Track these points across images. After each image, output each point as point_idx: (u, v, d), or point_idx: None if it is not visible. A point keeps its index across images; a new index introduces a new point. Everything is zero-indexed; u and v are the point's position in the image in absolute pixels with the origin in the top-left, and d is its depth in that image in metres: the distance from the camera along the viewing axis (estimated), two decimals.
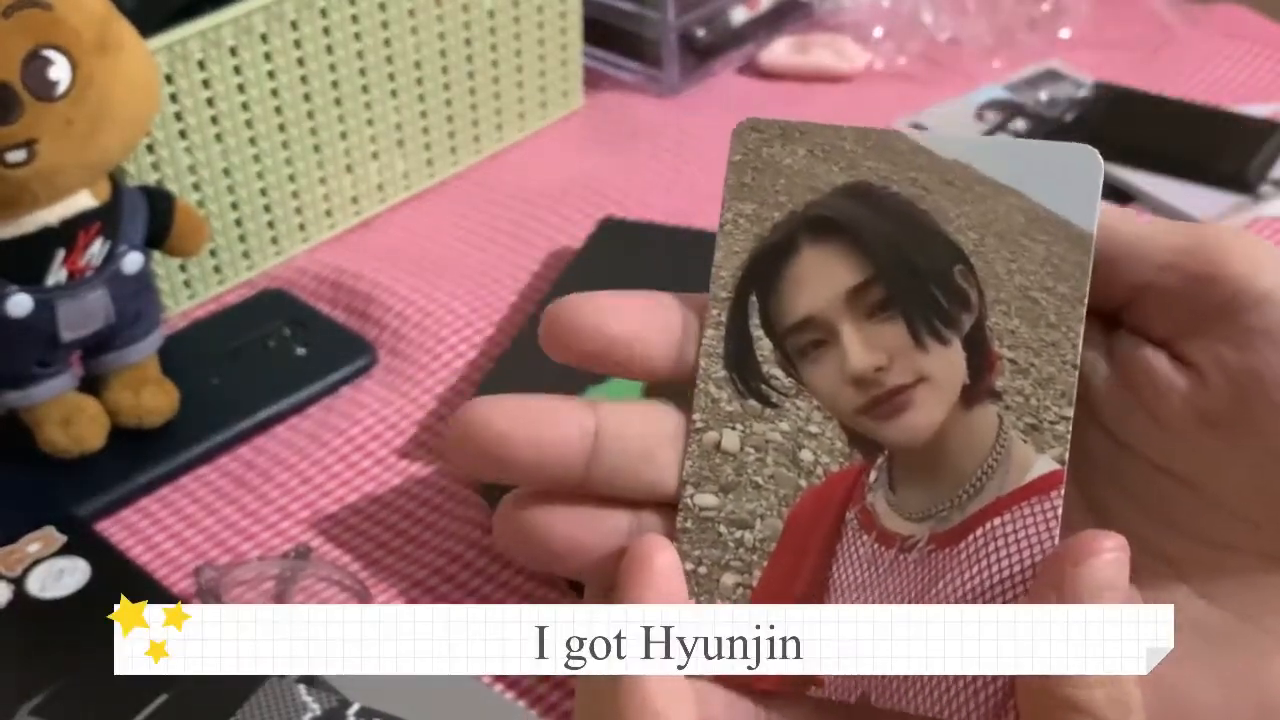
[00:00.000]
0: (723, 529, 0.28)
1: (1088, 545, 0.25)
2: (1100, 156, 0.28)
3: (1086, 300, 0.27)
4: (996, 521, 0.27)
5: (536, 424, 0.28)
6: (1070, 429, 0.27)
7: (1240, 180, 0.87)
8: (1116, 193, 0.88)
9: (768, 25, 1.06)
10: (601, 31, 1.01)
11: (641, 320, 0.29)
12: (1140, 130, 0.93)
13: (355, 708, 0.55)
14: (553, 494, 0.28)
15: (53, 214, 0.63)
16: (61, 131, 0.61)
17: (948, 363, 0.28)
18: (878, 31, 1.05)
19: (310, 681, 0.56)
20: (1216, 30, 1.06)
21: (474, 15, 0.88)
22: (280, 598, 0.63)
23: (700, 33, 1.03)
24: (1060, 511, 0.27)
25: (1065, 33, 1.05)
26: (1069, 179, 0.28)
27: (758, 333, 0.29)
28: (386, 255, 0.85)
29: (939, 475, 0.28)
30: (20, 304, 0.63)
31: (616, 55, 1.03)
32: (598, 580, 0.29)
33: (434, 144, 0.90)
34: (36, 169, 0.61)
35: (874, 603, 0.28)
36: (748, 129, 0.30)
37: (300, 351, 0.76)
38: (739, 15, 1.05)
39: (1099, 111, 0.95)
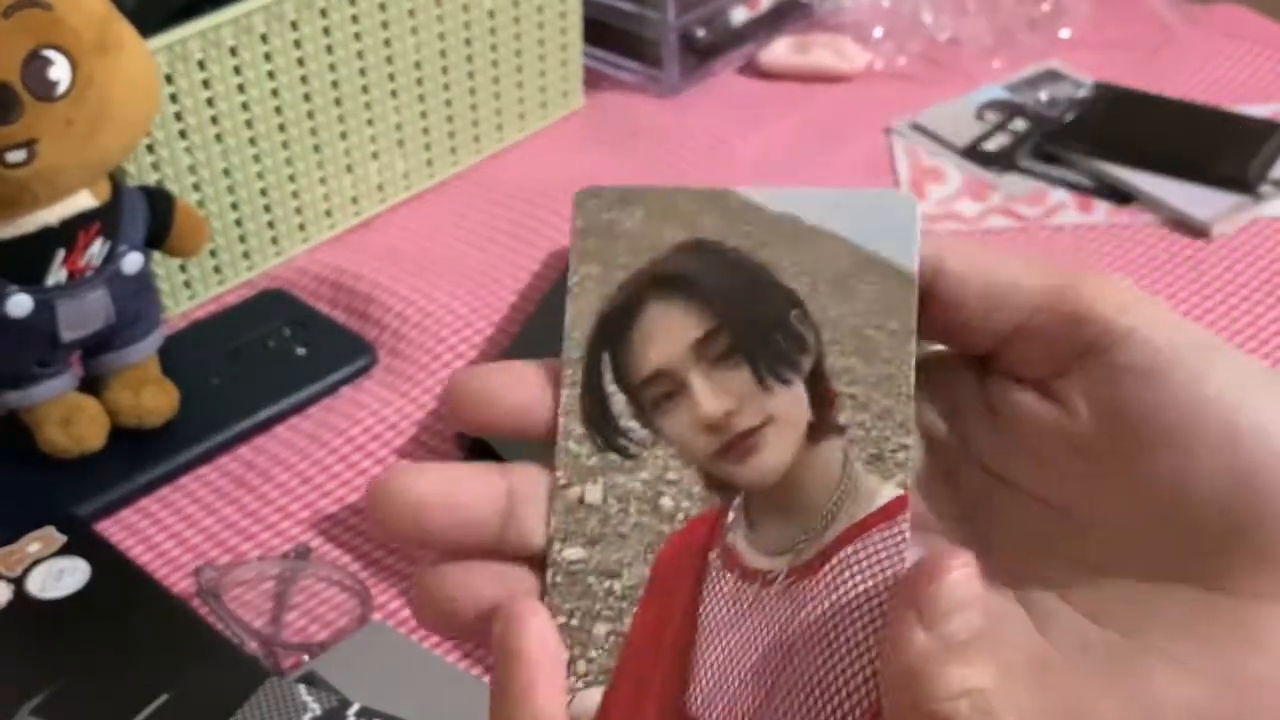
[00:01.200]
0: (592, 580, 0.30)
1: (941, 564, 0.26)
2: (915, 200, 0.30)
3: (915, 334, 0.29)
4: (849, 550, 0.29)
5: (451, 488, 0.29)
6: (910, 456, 0.29)
7: (1240, 180, 0.87)
8: (1117, 193, 0.88)
9: (768, 25, 1.06)
10: (601, 31, 1.01)
11: (533, 389, 0.31)
12: (1140, 130, 0.93)
13: (355, 708, 0.55)
14: (469, 561, 0.30)
15: (53, 214, 0.63)
16: (61, 131, 0.61)
17: (792, 403, 0.29)
18: (878, 31, 1.05)
19: (310, 681, 0.56)
20: (1216, 30, 1.06)
21: (474, 15, 0.88)
22: (280, 598, 0.63)
23: (700, 33, 1.03)
24: (908, 534, 0.28)
25: (1065, 33, 1.05)
26: (888, 223, 0.30)
27: (612, 388, 0.30)
28: (386, 255, 0.85)
29: (793, 510, 0.29)
30: (20, 304, 0.63)
31: (616, 55, 1.03)
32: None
33: (434, 144, 0.90)
34: (36, 169, 0.61)
35: (742, 637, 0.29)
36: (588, 197, 0.32)
37: (300, 351, 0.76)
38: (739, 15, 1.05)
39: (1099, 111, 0.95)
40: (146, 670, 0.57)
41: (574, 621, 0.29)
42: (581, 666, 0.29)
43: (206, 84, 0.76)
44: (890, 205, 0.30)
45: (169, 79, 0.74)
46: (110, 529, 0.67)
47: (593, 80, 1.01)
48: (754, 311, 0.30)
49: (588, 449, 0.30)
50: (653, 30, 1.00)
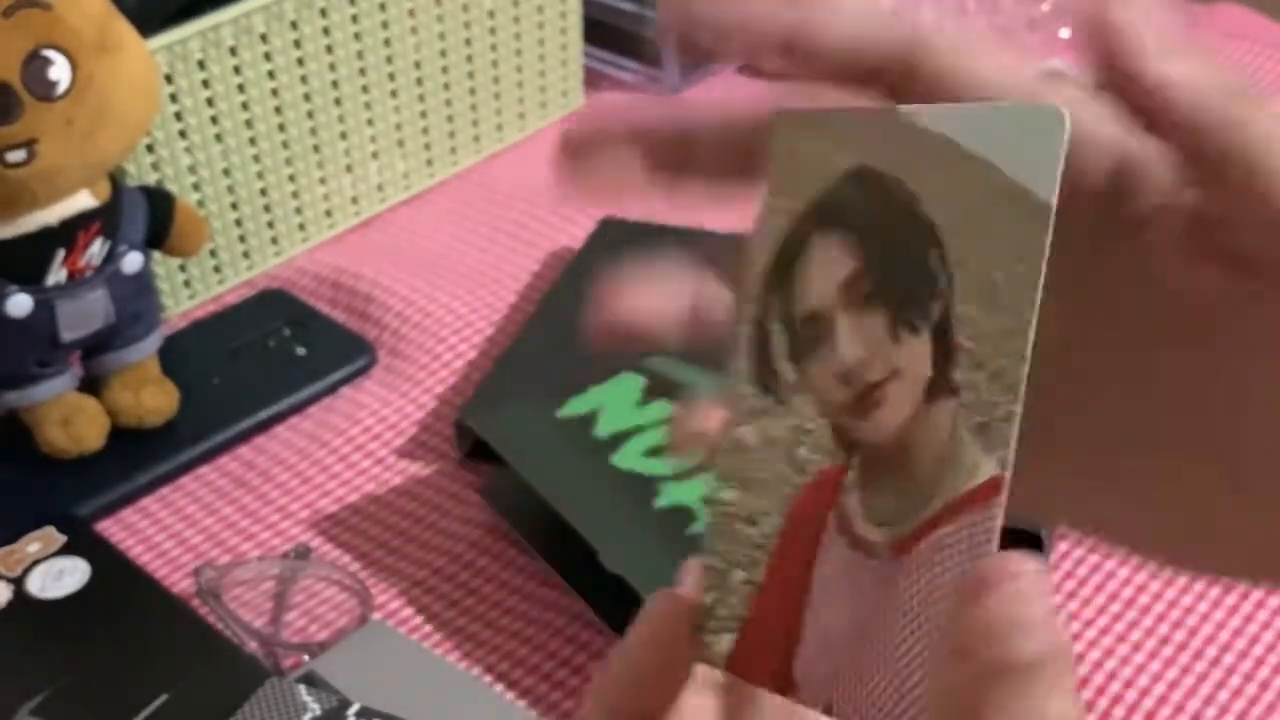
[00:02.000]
0: (739, 525, 0.29)
1: (1011, 567, 0.25)
2: (1067, 116, 0.25)
3: (1042, 280, 0.25)
4: (941, 532, 0.26)
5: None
6: (1015, 428, 0.25)
7: None
8: None
9: None
10: (601, 31, 1.01)
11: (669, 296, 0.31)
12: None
13: (355, 708, 0.55)
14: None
15: (53, 214, 0.63)
16: (61, 131, 0.61)
17: (917, 355, 0.27)
18: None
19: (310, 681, 0.56)
20: (1217, 30, 1.06)
21: (474, 15, 0.88)
22: (280, 598, 0.63)
23: None
24: (999, 521, 0.26)
25: (1065, 33, 1.05)
26: (1032, 145, 0.26)
27: (775, 328, 0.29)
28: (386, 255, 0.85)
29: (900, 477, 0.27)
30: (20, 304, 0.63)
31: (616, 55, 1.03)
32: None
33: (434, 144, 0.90)
34: (36, 169, 0.61)
35: (844, 608, 0.28)
36: (781, 121, 0.31)
37: (300, 351, 0.76)
38: None
39: None
40: (146, 670, 0.57)
41: (719, 564, 0.29)
42: (722, 611, 0.28)
43: (206, 84, 0.76)
44: (1035, 122, 0.26)
45: (169, 79, 0.74)
46: (110, 529, 0.67)
47: (593, 80, 1.01)
48: (897, 251, 0.28)
49: (752, 390, 0.29)
50: (653, 30, 1.00)
